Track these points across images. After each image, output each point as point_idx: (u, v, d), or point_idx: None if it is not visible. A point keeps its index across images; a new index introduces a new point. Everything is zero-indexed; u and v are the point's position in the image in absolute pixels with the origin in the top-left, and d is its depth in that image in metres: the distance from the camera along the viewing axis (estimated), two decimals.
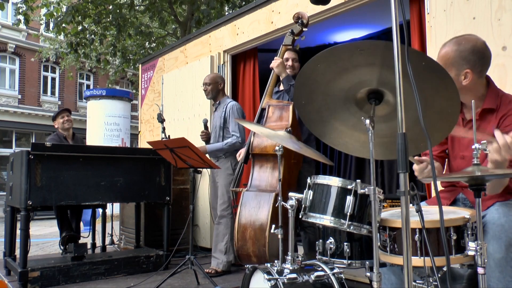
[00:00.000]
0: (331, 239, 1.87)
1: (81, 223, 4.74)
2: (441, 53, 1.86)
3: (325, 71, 1.51)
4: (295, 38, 3.18)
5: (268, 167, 3.09)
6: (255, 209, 2.91)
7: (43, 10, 10.99)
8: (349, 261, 1.84)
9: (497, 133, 1.55)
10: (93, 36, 10.88)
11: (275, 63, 3.22)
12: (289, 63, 3.45)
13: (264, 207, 2.88)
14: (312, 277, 1.83)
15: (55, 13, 10.08)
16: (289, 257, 2.00)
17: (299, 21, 3.14)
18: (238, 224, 2.93)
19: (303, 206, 1.90)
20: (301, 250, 3.44)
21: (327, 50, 1.45)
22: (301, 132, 3.26)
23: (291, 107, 3.09)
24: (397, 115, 1.23)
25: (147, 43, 12.84)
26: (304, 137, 3.29)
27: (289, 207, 2.04)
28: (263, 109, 3.27)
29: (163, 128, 3.74)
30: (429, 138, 1.24)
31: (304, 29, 3.15)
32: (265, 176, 3.07)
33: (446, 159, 2.10)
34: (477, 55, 1.80)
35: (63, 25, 9.90)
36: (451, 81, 1.42)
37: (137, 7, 11.05)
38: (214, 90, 3.92)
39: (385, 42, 1.34)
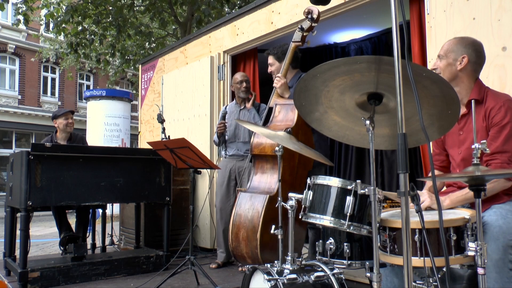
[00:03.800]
0: (331, 240, 1.87)
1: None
2: (445, 44, 2.00)
3: (325, 79, 1.53)
4: (305, 34, 3.06)
5: (268, 169, 3.02)
6: (249, 211, 2.87)
7: (44, 11, 10.99)
8: (349, 262, 1.84)
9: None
10: (93, 36, 10.87)
11: (278, 82, 3.12)
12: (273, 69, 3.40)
13: (256, 209, 2.83)
14: (312, 277, 1.83)
15: (55, 14, 10.08)
16: (289, 258, 1.99)
17: (309, 16, 3.02)
18: (232, 225, 2.91)
19: (303, 206, 1.90)
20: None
21: (326, 64, 1.45)
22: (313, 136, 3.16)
23: None
24: (397, 116, 1.23)
25: (147, 43, 12.82)
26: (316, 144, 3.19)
27: (289, 207, 2.04)
28: (270, 108, 3.21)
29: (163, 129, 3.74)
30: (428, 139, 1.24)
31: (314, 24, 3.03)
32: (264, 177, 3.01)
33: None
34: (475, 48, 1.96)
35: (63, 25, 9.91)
36: (452, 90, 1.43)
37: (137, 8, 11.04)
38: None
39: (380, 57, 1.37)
